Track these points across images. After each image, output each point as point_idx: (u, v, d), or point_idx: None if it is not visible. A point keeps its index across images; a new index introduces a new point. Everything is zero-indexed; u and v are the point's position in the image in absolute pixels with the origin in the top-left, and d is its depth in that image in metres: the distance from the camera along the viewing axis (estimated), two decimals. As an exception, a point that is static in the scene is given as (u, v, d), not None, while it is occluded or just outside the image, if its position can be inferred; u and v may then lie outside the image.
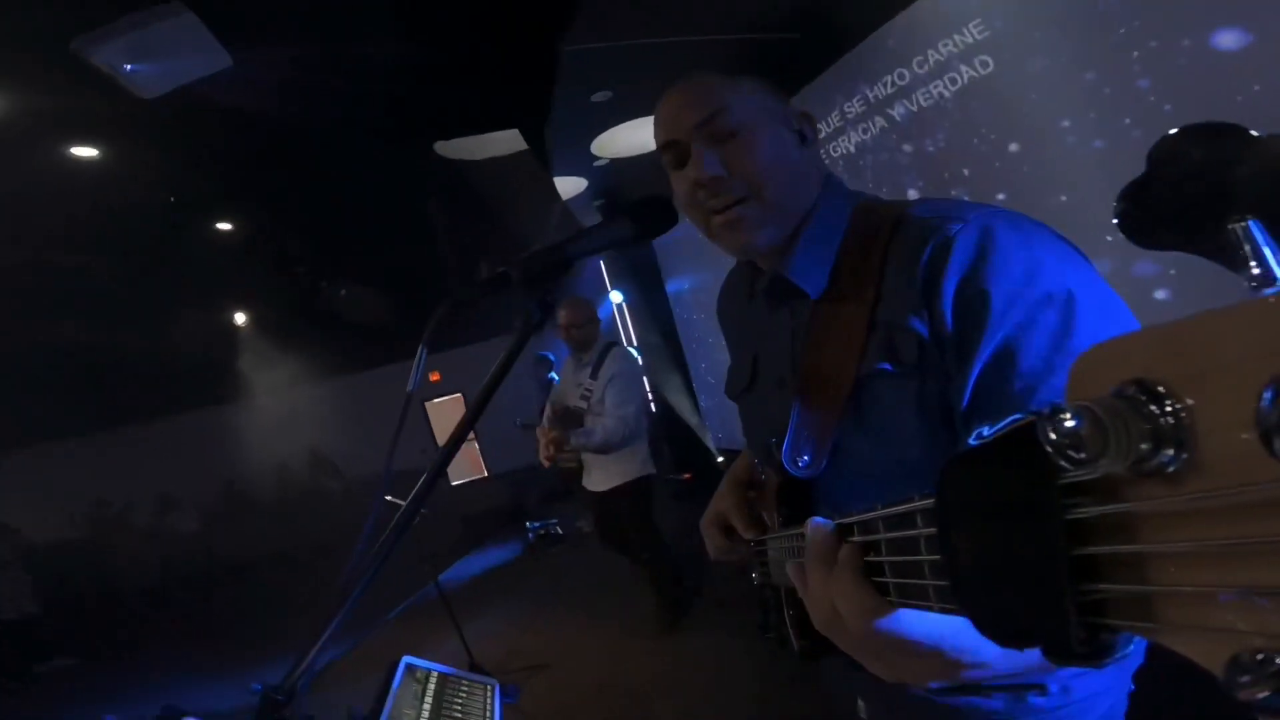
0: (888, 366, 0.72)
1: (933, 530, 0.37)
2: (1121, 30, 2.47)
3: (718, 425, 6.82)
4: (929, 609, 0.39)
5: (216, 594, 8.03)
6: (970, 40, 2.98)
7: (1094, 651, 0.27)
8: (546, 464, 3.27)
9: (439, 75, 3.65)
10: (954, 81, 3.08)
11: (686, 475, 6.61)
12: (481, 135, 4.80)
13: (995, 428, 0.29)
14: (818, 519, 0.52)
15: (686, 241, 6.34)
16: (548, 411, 3.53)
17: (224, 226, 5.49)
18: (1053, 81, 2.77)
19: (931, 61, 3.12)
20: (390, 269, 7.73)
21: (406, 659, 1.20)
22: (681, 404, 6.89)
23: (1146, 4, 2.38)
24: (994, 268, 0.66)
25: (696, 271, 6.47)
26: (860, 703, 0.91)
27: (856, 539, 0.48)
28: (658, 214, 0.85)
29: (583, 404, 3.30)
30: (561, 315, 3.32)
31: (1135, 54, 2.47)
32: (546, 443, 3.18)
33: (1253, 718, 0.20)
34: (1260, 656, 0.19)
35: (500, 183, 5.81)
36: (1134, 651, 0.28)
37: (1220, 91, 2.28)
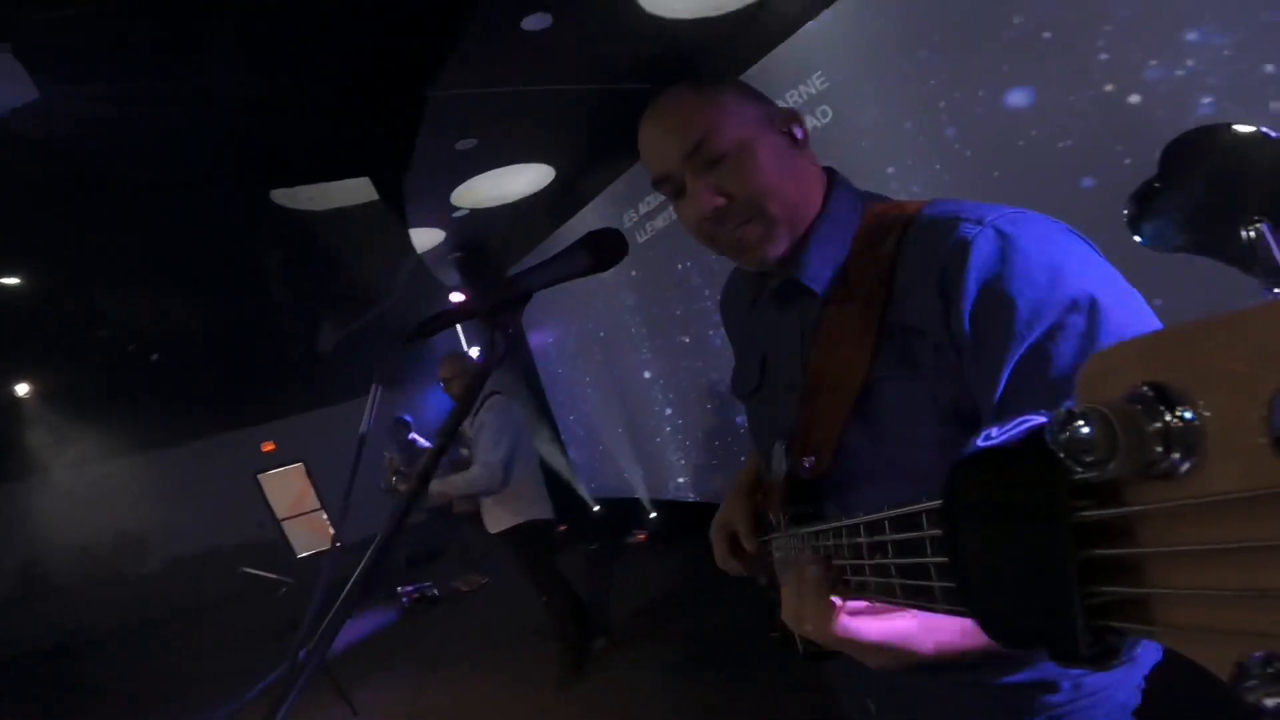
0: (900, 369, 0.72)
1: (939, 532, 0.37)
2: (932, 82, 2.85)
3: (588, 476, 6.77)
4: (935, 610, 0.39)
5: (16, 681, 6.94)
6: (813, 91, 3.30)
7: (1101, 654, 0.27)
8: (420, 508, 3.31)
9: (282, 117, 3.43)
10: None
11: (563, 527, 6.46)
12: (326, 183, 4.54)
13: (1004, 430, 0.30)
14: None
15: (545, 296, 6.34)
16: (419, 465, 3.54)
17: (8, 281, 4.66)
18: (880, 130, 3.13)
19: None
20: (214, 329, 6.97)
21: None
22: (552, 456, 6.78)
23: (949, 59, 2.77)
24: (1016, 272, 0.65)
25: (556, 325, 6.49)
26: (869, 701, 0.90)
27: (862, 540, 0.49)
28: (612, 246, 0.82)
29: (465, 452, 3.45)
30: (441, 369, 3.40)
31: (942, 104, 2.85)
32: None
33: None
34: (1268, 660, 0.19)
35: (346, 235, 5.51)
36: (1143, 653, 0.29)
37: (1006, 135, 2.69)
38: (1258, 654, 0.20)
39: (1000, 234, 0.67)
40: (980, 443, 0.31)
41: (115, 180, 3.72)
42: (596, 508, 6.65)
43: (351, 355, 8.09)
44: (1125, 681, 0.79)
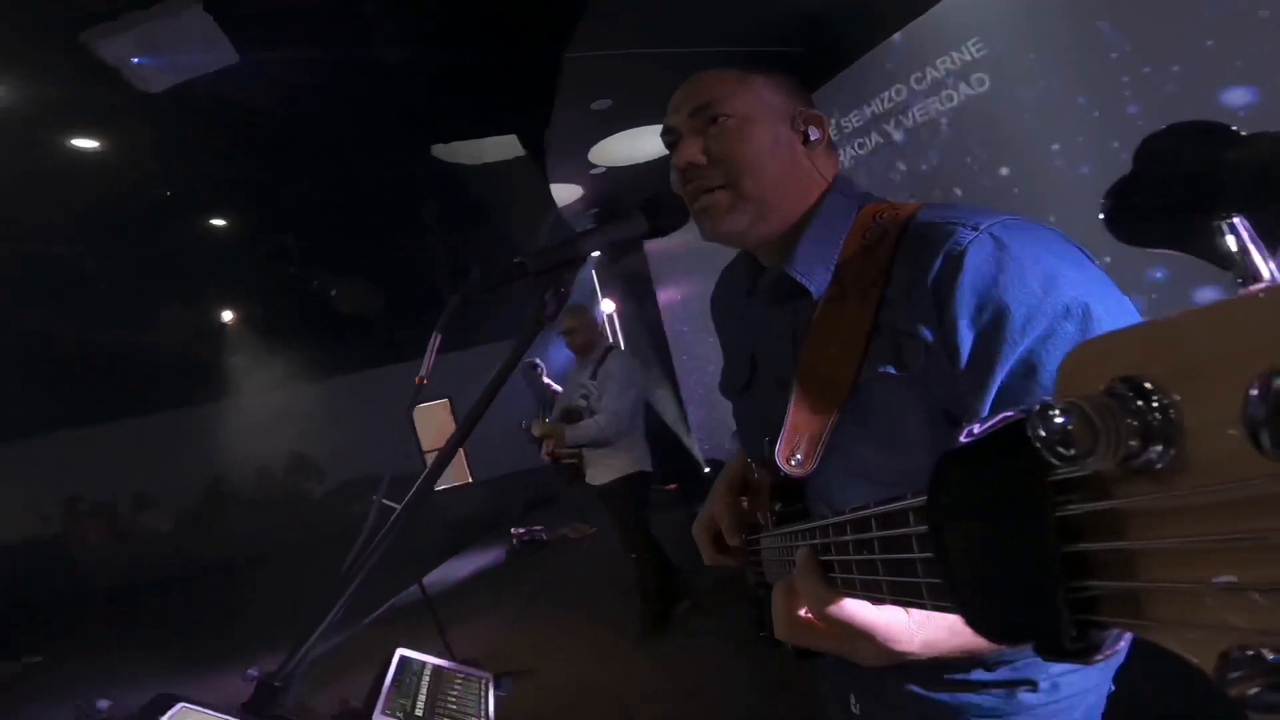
0: (891, 370, 0.73)
1: (924, 528, 0.37)
2: (1113, 55, 2.53)
3: (705, 436, 6.83)
4: (922, 606, 0.40)
5: (194, 594, 7.89)
6: (969, 58, 3.03)
7: (1085, 648, 0.27)
8: (548, 459, 3.52)
9: (440, 79, 3.66)
10: (950, 99, 3.13)
11: (671, 486, 6.61)
12: (479, 140, 4.81)
13: (985, 425, 0.30)
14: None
15: (679, 252, 6.38)
16: (555, 411, 3.76)
17: (218, 222, 5.43)
18: (1045, 104, 2.82)
19: (929, 79, 3.17)
20: (382, 271, 7.69)
21: (401, 651, 1.19)
22: (669, 414, 6.90)
23: (1139, 31, 2.44)
24: (1011, 279, 0.66)
25: (689, 282, 6.51)
26: (852, 698, 0.91)
27: (849, 537, 0.49)
28: (669, 211, 0.86)
29: (582, 403, 3.49)
30: (564, 322, 3.52)
31: (1125, 79, 2.52)
32: (546, 439, 3.45)
33: (1244, 715, 0.19)
34: (1251, 653, 0.19)
35: (496, 188, 5.83)
36: (1120, 649, 0.29)
37: (1204, 114, 2.32)
38: (1241, 647, 0.20)
39: (996, 241, 0.68)
40: (963, 438, 0.31)
41: (302, 136, 4.17)
42: (707, 469, 6.71)
43: (496, 300, 8.60)
44: (1101, 683, 0.80)
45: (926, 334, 0.70)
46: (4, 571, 6.89)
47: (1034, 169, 2.83)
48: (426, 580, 4.19)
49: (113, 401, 8.37)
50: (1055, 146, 2.79)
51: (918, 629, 0.56)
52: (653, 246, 7.06)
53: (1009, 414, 0.28)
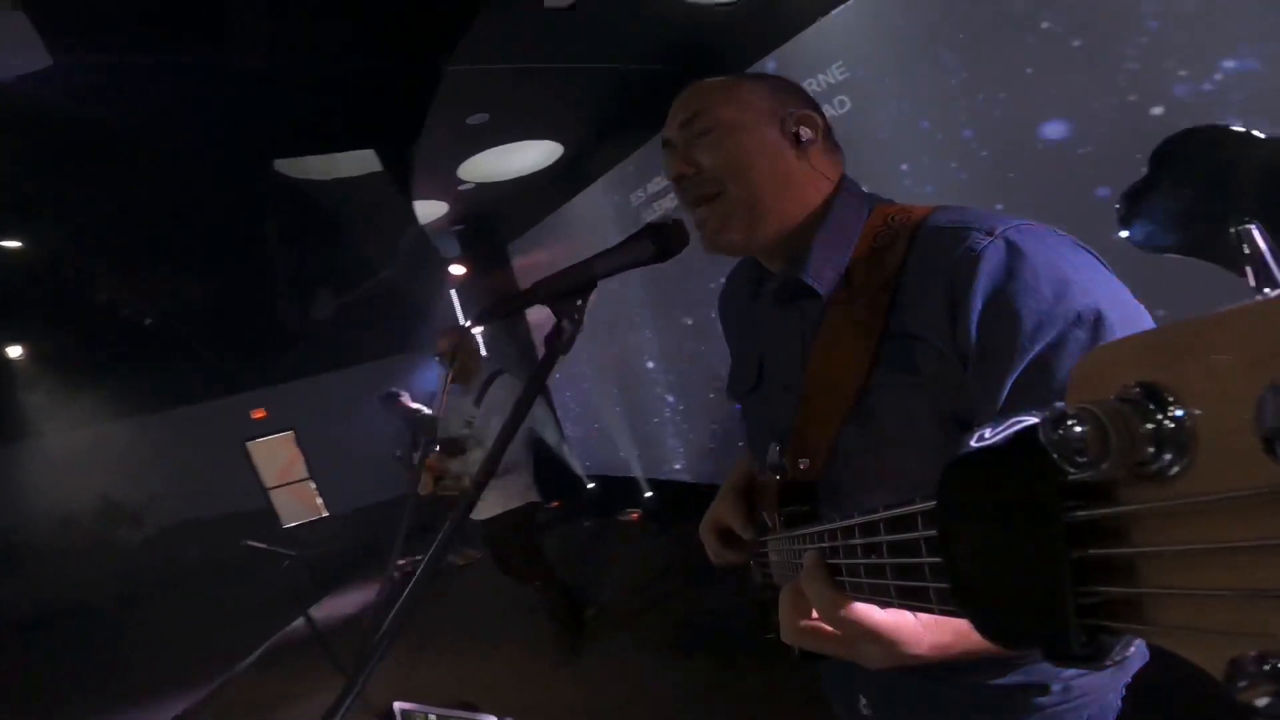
0: (900, 374, 0.72)
1: (933, 532, 0.37)
2: (953, 82, 2.85)
3: (584, 454, 6.82)
4: (930, 611, 0.40)
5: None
6: (833, 80, 3.29)
7: (1094, 653, 0.27)
8: (424, 494, 3.23)
9: (290, 88, 3.39)
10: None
11: (555, 503, 6.53)
12: (330, 155, 4.50)
13: (997, 430, 0.30)
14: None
15: (545, 266, 6.34)
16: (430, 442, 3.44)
17: (9, 244, 4.61)
18: (897, 126, 3.12)
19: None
20: (209, 296, 6.92)
21: (399, 705, 1.10)
22: (549, 432, 6.82)
23: (976, 58, 2.76)
24: (1023, 285, 0.66)
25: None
26: (862, 699, 0.91)
27: (857, 541, 0.49)
28: (674, 235, 0.84)
29: (466, 431, 3.29)
30: (441, 344, 3.27)
31: (962, 103, 2.85)
32: (428, 473, 3.21)
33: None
34: (1261, 659, 0.19)
35: (347, 205, 5.47)
36: (1135, 653, 0.30)
37: (1025, 139, 2.70)
38: (1251, 653, 0.20)
39: (1010, 246, 0.68)
40: (974, 443, 0.31)
41: (117, 148, 3.67)
42: (591, 485, 6.71)
43: (346, 324, 8.05)
44: (1114, 684, 0.80)
45: (939, 338, 0.70)
46: None
47: (888, 188, 3.13)
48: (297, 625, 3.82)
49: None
50: (905, 166, 3.10)
51: (926, 632, 0.55)
52: (516, 262, 6.96)
53: (1021, 419, 0.29)
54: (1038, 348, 0.64)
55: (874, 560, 0.45)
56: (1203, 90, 2.10)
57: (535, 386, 0.80)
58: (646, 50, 3.35)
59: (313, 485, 9.75)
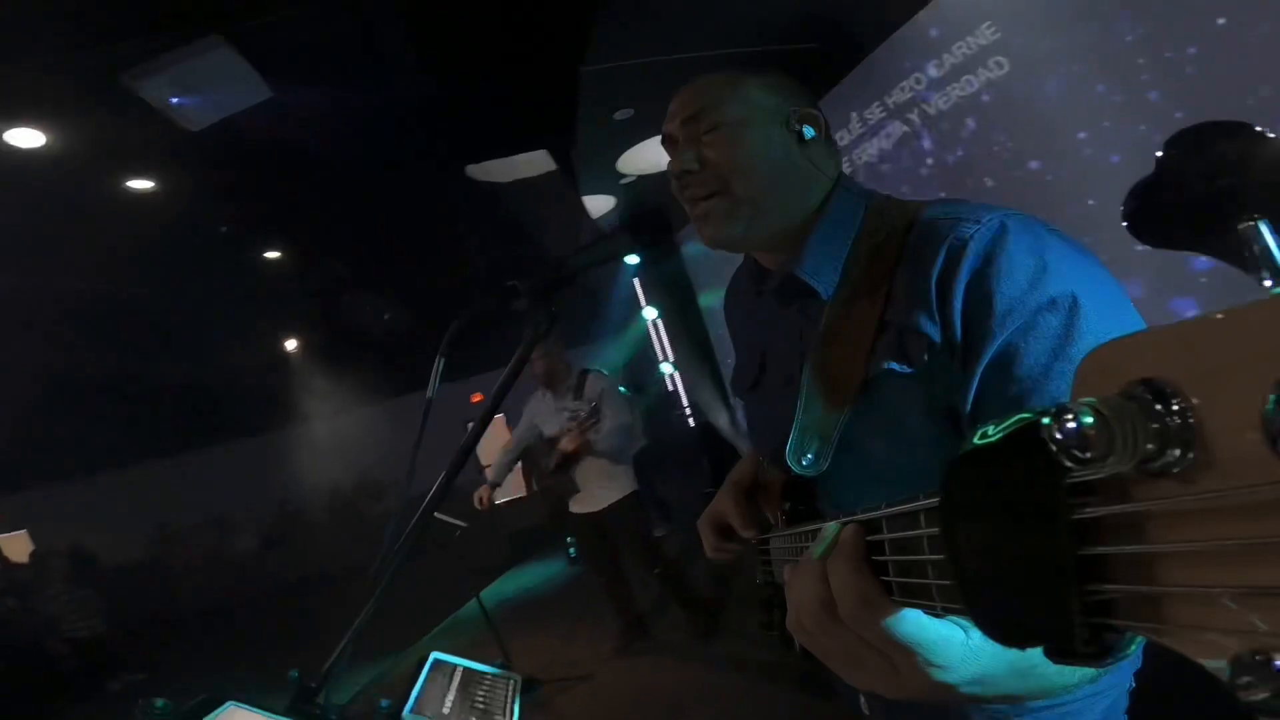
0: (896, 367, 0.72)
1: (937, 529, 0.36)
2: (1129, 38, 2.44)
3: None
4: (933, 609, 0.39)
5: (272, 611, 8.25)
6: (984, 42, 2.97)
7: (1098, 651, 0.27)
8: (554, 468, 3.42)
9: (465, 103, 3.78)
10: (970, 85, 3.06)
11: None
12: (510, 158, 4.92)
13: (1001, 426, 0.29)
14: (832, 525, 0.49)
15: (718, 255, 6.35)
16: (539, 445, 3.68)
17: (271, 255, 5.72)
18: (1067, 90, 2.73)
19: (947, 65, 3.12)
20: (428, 292, 7.93)
21: (435, 654, 1.25)
22: (718, 418, 6.88)
23: (1150, 10, 2.34)
24: (1000, 271, 0.66)
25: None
26: (862, 699, 0.91)
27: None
28: (652, 227, 0.90)
29: (572, 425, 3.44)
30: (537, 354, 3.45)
31: (1141, 60, 2.43)
32: (568, 444, 3.37)
33: (1255, 719, 0.19)
34: (1263, 657, 0.19)
35: (531, 203, 5.95)
36: (1135, 653, 0.28)
37: (1230, 96, 2.23)
38: (1254, 652, 0.19)
39: (994, 235, 0.68)
40: (977, 440, 0.30)
41: (337, 167, 4.36)
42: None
43: (543, 315, 8.74)
44: (1116, 686, 0.79)
45: (930, 329, 0.70)
46: (104, 595, 7.36)
47: (1064, 161, 2.73)
48: (487, 593, 4.29)
49: (191, 431, 8.83)
50: (1082, 135, 2.70)
51: (973, 657, 0.46)
52: (690, 251, 7.07)
53: (1024, 415, 0.28)
54: (1007, 333, 0.64)
55: (877, 558, 0.44)
56: None
57: (514, 372, 0.89)
58: (778, 30, 3.26)
59: (521, 465, 10.74)
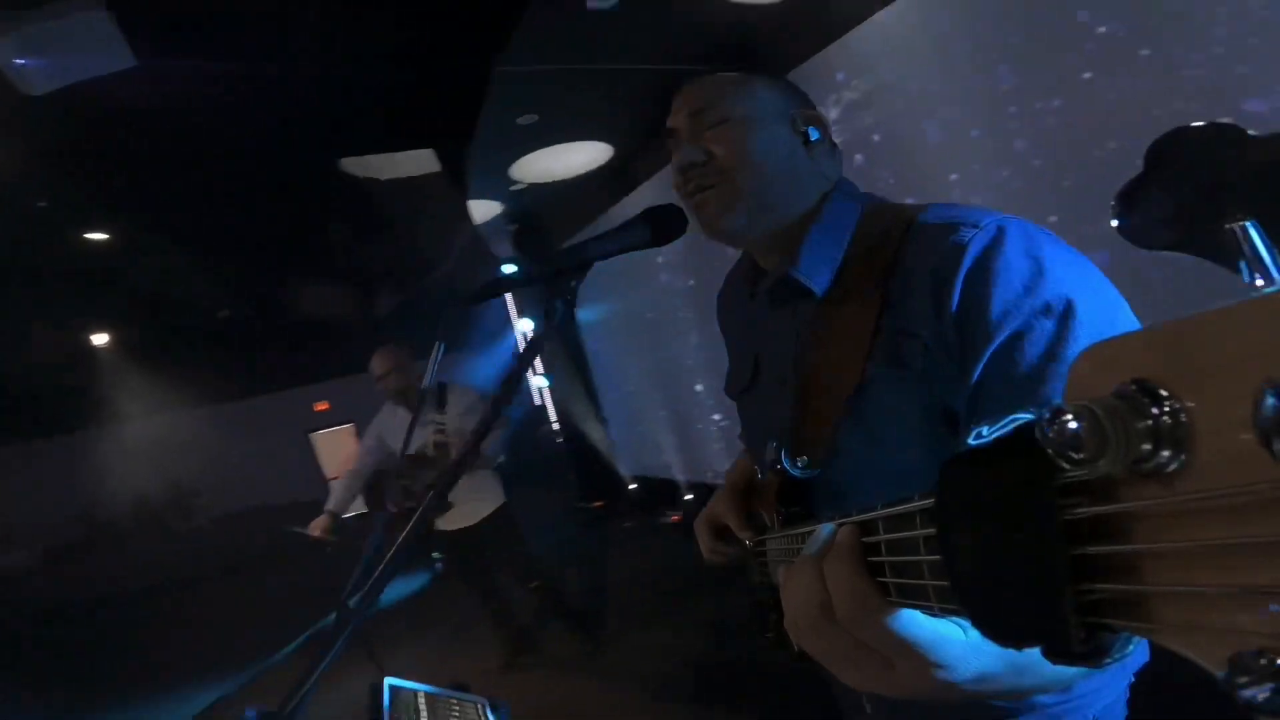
0: (892, 369, 0.73)
1: (932, 530, 0.36)
2: (1005, 87, 2.74)
3: (628, 454, 6.85)
4: (929, 609, 0.39)
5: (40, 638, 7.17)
6: (879, 82, 3.24)
7: (1093, 651, 0.27)
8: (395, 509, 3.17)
9: (357, 89, 3.53)
10: (863, 120, 3.31)
11: (598, 503, 6.59)
12: (392, 154, 4.66)
13: (995, 427, 0.30)
14: (827, 526, 0.48)
15: (601, 270, 6.38)
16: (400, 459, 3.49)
17: (94, 236, 4.93)
18: (944, 134, 3.03)
19: (845, 100, 3.36)
20: (276, 291, 7.25)
21: (389, 680, 1.13)
22: (592, 433, 6.88)
23: (1030, 64, 2.65)
24: (996, 275, 0.66)
25: (610, 301, 6.54)
26: (864, 698, 0.91)
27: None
28: (672, 221, 0.87)
29: (440, 437, 3.25)
30: (380, 364, 3.27)
31: (1012, 110, 2.74)
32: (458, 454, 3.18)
33: (1252, 718, 0.20)
34: (1260, 656, 0.19)
35: (405, 204, 5.66)
36: (1135, 650, 0.28)
37: (1082, 146, 2.56)
38: (1250, 650, 0.20)
39: (991, 239, 0.69)
40: (971, 441, 0.31)
41: (196, 147, 3.89)
42: (633, 486, 6.74)
43: (407, 319, 8.32)
44: (1115, 683, 0.80)
45: (925, 332, 0.70)
46: None
47: (937, 197, 3.02)
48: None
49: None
50: (954, 176, 3.00)
51: (974, 655, 0.46)
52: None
53: (1018, 416, 0.28)
54: (1002, 336, 0.65)
55: (873, 559, 0.44)
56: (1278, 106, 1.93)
57: (528, 360, 0.82)
58: (692, 51, 3.36)
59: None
